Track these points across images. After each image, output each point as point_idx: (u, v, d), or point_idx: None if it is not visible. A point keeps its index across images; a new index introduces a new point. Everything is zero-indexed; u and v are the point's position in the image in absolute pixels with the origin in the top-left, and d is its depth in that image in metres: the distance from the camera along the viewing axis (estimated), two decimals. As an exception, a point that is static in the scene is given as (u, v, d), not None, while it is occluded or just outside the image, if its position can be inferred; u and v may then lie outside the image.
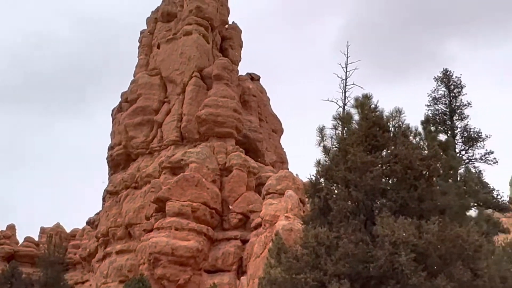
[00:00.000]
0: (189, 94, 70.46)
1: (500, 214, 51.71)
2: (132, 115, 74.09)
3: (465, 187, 29.91)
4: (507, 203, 51.52)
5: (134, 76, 79.92)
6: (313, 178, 17.78)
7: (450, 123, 50.06)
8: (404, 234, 13.91)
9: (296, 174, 57.84)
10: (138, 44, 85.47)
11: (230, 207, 60.49)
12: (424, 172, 16.56)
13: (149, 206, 62.60)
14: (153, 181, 64.46)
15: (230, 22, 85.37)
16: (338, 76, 38.69)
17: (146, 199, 64.37)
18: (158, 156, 69.31)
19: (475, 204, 43.29)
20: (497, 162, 47.58)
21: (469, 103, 50.53)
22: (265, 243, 45.78)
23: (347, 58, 38.89)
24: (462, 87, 51.48)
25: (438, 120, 50.17)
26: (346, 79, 40.32)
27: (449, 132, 49.60)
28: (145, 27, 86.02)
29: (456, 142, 49.22)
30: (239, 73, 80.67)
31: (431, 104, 51.86)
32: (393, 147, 16.89)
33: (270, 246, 33.80)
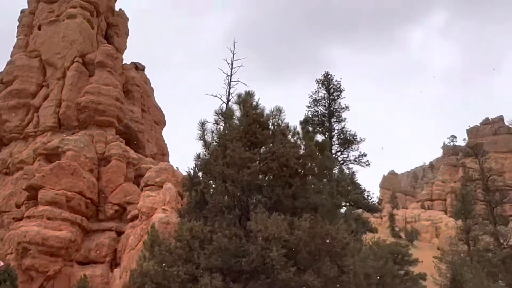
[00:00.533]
0: (69, 80, 67.83)
1: (370, 214, 54.39)
2: (7, 97, 70.23)
3: (338, 187, 31.10)
4: (376, 204, 54.23)
5: (11, 57, 75.88)
6: (191, 171, 17.75)
7: (328, 124, 51.83)
8: (276, 230, 14.19)
9: (177, 167, 57.53)
10: (17, 23, 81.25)
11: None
12: (299, 171, 16.99)
13: (20, 193, 59.70)
14: (26, 167, 61.53)
15: (117, 9, 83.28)
16: (224, 72, 38.88)
17: (17, 186, 61.37)
18: (33, 142, 66.23)
19: (347, 203, 45.23)
20: (369, 164, 49.92)
21: (346, 107, 52.57)
22: (140, 236, 45.10)
23: (233, 54, 39.14)
24: (341, 91, 53.46)
25: (317, 121, 51.79)
26: (231, 75, 40.58)
27: (327, 134, 51.35)
28: (26, 6, 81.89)
29: (333, 143, 51.09)
30: (124, 62, 78.87)
31: (312, 105, 53.39)
32: (271, 145, 17.19)
33: (145, 239, 33.40)
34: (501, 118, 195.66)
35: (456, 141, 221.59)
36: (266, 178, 16.84)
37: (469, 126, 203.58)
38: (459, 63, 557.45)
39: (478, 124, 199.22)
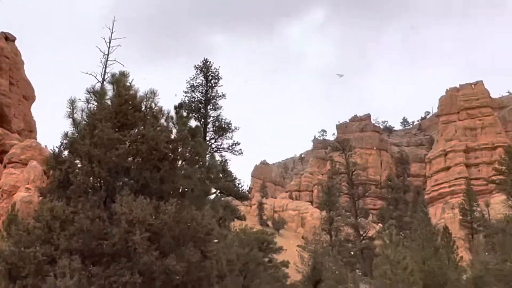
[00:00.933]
0: None
1: (239, 202, 55.34)
2: None
3: (208, 174, 31.28)
4: (246, 192, 55.22)
5: None
6: (56, 149, 17.08)
7: (204, 111, 52.02)
8: (141, 213, 14.04)
9: (45, 145, 55.26)
10: None
11: None
12: (169, 155, 16.87)
13: None
14: None
15: (-13, -26, 78.25)
16: (101, 51, 37.76)
17: None
18: None
19: (217, 190, 45.68)
20: (242, 153, 50.77)
21: (223, 95, 53.07)
22: (0, 215, 43.02)
23: (112, 33, 38.11)
24: (219, 79, 53.82)
25: (193, 107, 51.79)
26: (108, 54, 39.53)
27: (202, 120, 51.52)
28: None
29: (208, 130, 51.33)
30: (-8, 31, 74.33)
31: (189, 91, 53.35)
32: (142, 127, 16.92)
33: (4, 218, 31.92)
34: (368, 116, 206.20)
35: (326, 135, 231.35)
36: (135, 160, 16.56)
37: (338, 121, 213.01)
38: (334, 60, 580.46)
39: (347, 121, 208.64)
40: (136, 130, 16.97)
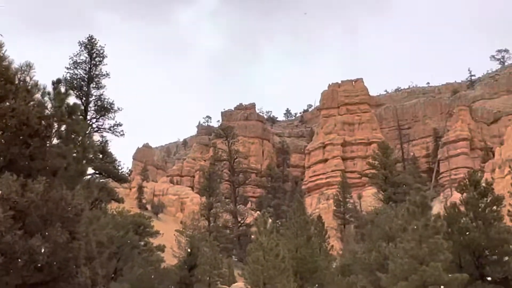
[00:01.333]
0: None
1: (118, 184, 54.24)
2: None
3: (85, 153, 30.41)
4: (126, 174, 54.15)
5: None
6: None
7: (86, 89, 50.38)
8: (6, 190, 13.43)
9: None
10: None
11: None
12: (41, 131, 16.23)
13: None
14: None
15: None
16: (-30, 17, 35.28)
17: None
18: None
19: (95, 171, 44.51)
20: (124, 134, 49.76)
21: (107, 74, 51.68)
22: None
23: (-11, 0, 35.73)
24: (104, 57, 52.29)
25: (75, 85, 49.98)
26: (-19, 22, 36.99)
27: (84, 98, 49.90)
28: None
29: (89, 109, 49.77)
30: None
31: (71, 67, 51.42)
32: (12, 101, 16.15)
33: None
34: (253, 105, 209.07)
35: (211, 122, 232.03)
36: (3, 135, 15.78)
37: (224, 109, 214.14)
38: (224, 47, 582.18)
39: (232, 109, 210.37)
40: (7, 103, 16.16)
